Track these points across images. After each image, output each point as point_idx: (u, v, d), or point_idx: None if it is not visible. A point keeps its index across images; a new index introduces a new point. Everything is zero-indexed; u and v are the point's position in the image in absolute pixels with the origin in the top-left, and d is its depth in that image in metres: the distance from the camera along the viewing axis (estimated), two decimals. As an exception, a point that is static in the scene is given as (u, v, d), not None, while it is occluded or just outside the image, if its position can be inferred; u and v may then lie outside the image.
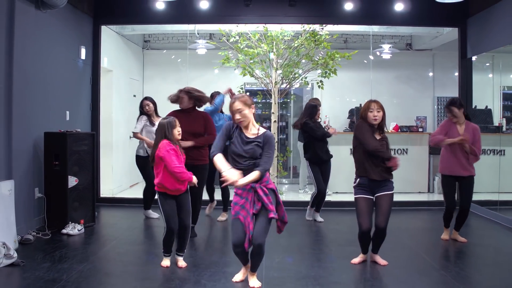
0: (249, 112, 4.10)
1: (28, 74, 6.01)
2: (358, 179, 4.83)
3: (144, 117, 6.99)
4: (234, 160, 4.08)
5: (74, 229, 6.00)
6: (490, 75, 9.56)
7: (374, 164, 4.73)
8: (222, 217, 7.03)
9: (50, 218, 6.12)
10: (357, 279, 4.53)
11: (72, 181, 6.22)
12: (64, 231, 5.99)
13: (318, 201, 6.93)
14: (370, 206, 4.81)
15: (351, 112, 10.56)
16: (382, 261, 4.88)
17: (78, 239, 5.87)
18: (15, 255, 4.73)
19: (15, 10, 5.65)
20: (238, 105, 4.07)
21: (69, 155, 6.18)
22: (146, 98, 7.13)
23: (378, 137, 4.80)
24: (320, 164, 6.83)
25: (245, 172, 3.99)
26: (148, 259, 5.02)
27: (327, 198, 7.81)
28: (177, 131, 4.69)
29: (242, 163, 4.04)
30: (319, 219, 6.98)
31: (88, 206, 6.51)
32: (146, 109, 6.99)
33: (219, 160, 4.02)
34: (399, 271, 4.67)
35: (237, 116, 4.07)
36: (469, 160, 5.65)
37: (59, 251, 5.23)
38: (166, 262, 4.73)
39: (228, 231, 6.41)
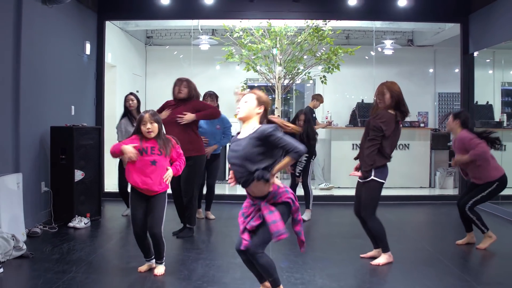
0: (254, 109, 3.41)
1: (35, 69, 6.04)
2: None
3: (123, 121, 6.72)
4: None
5: (80, 222, 6.05)
6: (491, 71, 9.62)
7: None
8: (198, 214, 6.63)
9: (56, 212, 6.16)
10: (361, 271, 4.58)
11: (79, 175, 6.26)
12: (70, 224, 6.04)
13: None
14: (359, 190, 4.85)
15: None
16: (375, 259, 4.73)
17: (85, 232, 5.92)
18: (24, 247, 4.77)
19: (23, 5, 5.68)
20: (247, 95, 3.46)
21: (76, 149, 6.23)
22: (131, 93, 6.90)
23: None
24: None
25: (244, 183, 3.36)
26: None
27: (329, 192, 7.87)
28: (146, 128, 4.19)
29: (236, 171, 3.39)
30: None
31: (94, 200, 6.56)
32: (129, 103, 6.73)
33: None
34: (405, 263, 4.71)
35: (237, 106, 3.46)
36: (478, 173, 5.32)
37: (66, 243, 5.28)
38: (142, 267, 4.40)
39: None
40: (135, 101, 6.77)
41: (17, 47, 5.65)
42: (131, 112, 6.73)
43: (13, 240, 4.69)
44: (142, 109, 6.75)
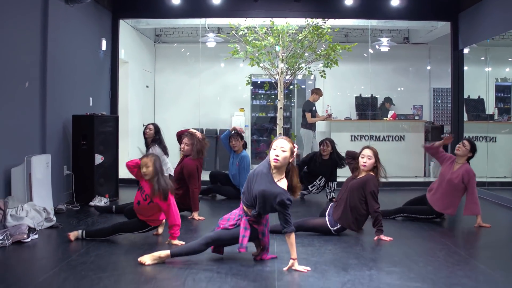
0: (288, 158, 3.92)
1: (59, 63, 6.65)
2: None
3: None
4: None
5: (100, 201, 6.66)
6: (484, 68, 10.14)
7: None
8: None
9: (78, 193, 6.77)
10: (348, 244, 5.17)
11: (98, 159, 6.87)
12: (91, 203, 6.65)
13: None
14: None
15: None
16: None
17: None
18: (54, 218, 5.39)
19: (49, 5, 6.30)
20: (283, 142, 3.92)
21: (96, 136, 6.83)
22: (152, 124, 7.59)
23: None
24: None
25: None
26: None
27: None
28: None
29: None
30: None
31: (112, 182, 7.18)
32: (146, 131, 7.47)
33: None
34: (393, 234, 5.26)
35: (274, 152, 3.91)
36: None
37: (90, 218, 5.90)
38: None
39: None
40: (152, 131, 7.44)
41: (43, 44, 6.26)
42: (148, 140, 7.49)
43: (45, 212, 5.30)
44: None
